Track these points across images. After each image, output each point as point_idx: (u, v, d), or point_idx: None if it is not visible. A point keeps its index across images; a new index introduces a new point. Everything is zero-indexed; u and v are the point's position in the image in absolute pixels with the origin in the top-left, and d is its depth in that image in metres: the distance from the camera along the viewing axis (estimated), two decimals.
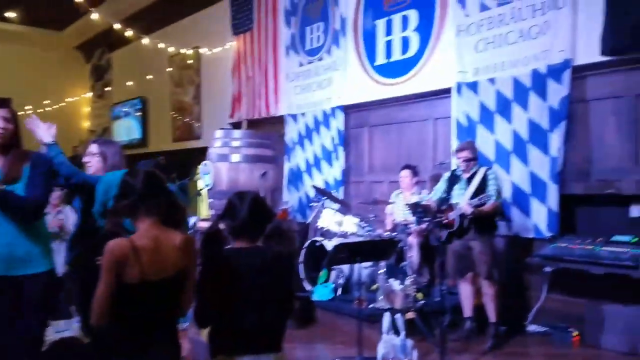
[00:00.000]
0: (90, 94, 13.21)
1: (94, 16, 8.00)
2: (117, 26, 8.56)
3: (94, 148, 3.29)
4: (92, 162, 3.27)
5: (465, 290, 4.41)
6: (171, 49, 9.26)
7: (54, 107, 11.24)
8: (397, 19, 6.09)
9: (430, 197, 4.64)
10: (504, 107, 4.96)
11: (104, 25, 9.12)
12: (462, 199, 4.22)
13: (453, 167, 4.75)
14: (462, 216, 4.19)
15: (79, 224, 3.34)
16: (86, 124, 13.41)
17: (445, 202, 4.35)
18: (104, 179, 3.02)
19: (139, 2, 10.01)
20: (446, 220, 4.25)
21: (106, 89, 12.67)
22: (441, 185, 4.53)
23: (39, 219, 2.71)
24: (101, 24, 8.84)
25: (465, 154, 4.32)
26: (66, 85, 12.47)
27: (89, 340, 3.25)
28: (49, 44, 12.31)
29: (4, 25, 10.87)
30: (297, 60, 7.38)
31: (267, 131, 7.38)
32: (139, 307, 1.95)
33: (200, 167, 5.59)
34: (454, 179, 4.42)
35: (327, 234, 5.76)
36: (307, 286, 5.47)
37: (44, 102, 10.87)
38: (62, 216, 5.05)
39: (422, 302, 4.56)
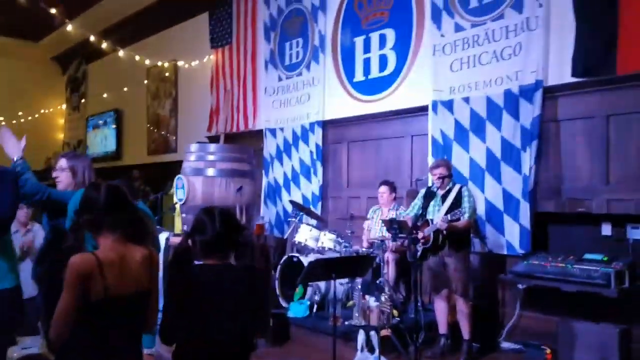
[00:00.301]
0: (65, 106, 13.01)
1: (70, 28, 7.89)
2: (93, 38, 8.46)
3: (63, 162, 3.20)
4: (62, 177, 3.19)
5: (440, 307, 4.41)
6: (148, 62, 9.20)
7: (29, 118, 11.03)
8: (375, 37, 6.17)
9: (407, 213, 4.67)
10: (478, 126, 5.03)
11: (81, 36, 9.01)
12: (437, 215, 4.25)
13: (429, 183, 4.78)
14: (437, 232, 4.22)
15: (48, 240, 3.25)
16: (61, 136, 13.18)
17: (421, 218, 4.37)
18: (76, 196, 2.95)
19: (116, 15, 9.94)
20: (422, 237, 4.27)
21: (82, 100, 12.50)
22: (417, 202, 4.56)
23: (4, 235, 2.63)
24: (78, 35, 8.74)
25: (440, 170, 4.36)
26: (41, 96, 12.27)
27: (54, 358, 3.15)
28: (24, 55, 12.11)
29: None
30: (276, 74, 7.39)
31: (245, 145, 7.35)
32: (102, 324, 1.89)
33: (175, 181, 5.51)
34: (429, 196, 4.45)
35: (304, 250, 5.72)
36: (283, 303, 5.40)
37: (18, 113, 10.66)
38: (32, 235, 4.91)
39: (398, 319, 4.55)
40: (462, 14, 5.23)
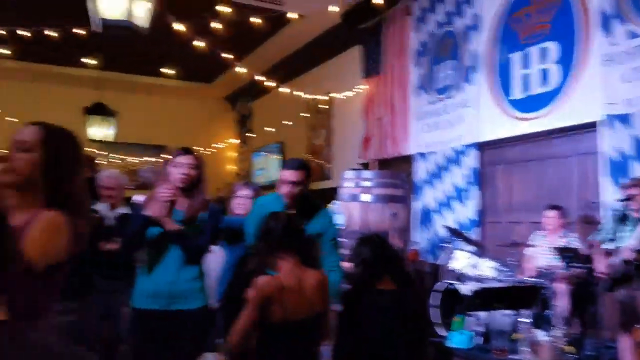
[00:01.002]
0: (235, 140, 14.45)
1: (239, 69, 8.81)
2: (258, 77, 9.33)
3: (247, 192, 3.68)
4: (246, 204, 3.63)
5: (626, 345, 3.89)
6: (306, 96, 9.82)
7: (206, 151, 12.44)
8: (534, 51, 5.82)
9: (593, 237, 4.23)
10: None
11: (247, 77, 9.98)
12: (628, 242, 3.78)
13: (603, 207, 4.31)
14: (627, 262, 3.75)
15: (231, 262, 3.64)
16: (231, 168, 14.63)
17: (608, 244, 3.92)
18: (249, 220, 3.24)
19: (277, 54, 10.84)
20: (605, 266, 3.83)
21: (249, 134, 13.78)
22: (608, 226, 4.11)
23: (199, 262, 2.99)
24: (245, 76, 9.70)
25: (632, 191, 3.89)
26: (215, 132, 13.78)
27: None
28: (201, 95, 13.80)
29: (163, 81, 12.48)
30: (426, 99, 7.37)
31: (395, 170, 7.40)
32: (280, 344, 2.05)
33: (331, 207, 5.76)
34: (623, 220, 3.98)
35: (462, 277, 5.52)
36: (441, 331, 5.25)
37: (195, 147, 12.09)
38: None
39: (575, 356, 4.13)
40: (636, 20, 4.70)
